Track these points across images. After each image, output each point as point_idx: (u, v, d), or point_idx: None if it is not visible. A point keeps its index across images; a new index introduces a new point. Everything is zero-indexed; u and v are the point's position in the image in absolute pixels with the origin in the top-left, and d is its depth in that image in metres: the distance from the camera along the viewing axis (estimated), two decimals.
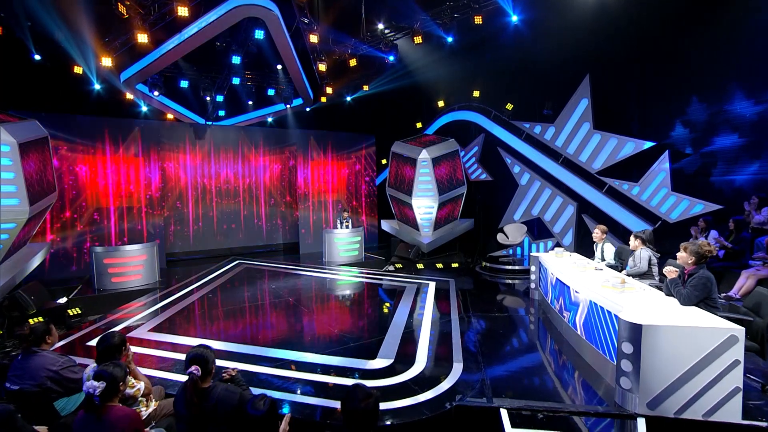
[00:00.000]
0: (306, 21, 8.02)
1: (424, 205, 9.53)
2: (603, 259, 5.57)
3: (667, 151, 7.15)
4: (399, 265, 9.35)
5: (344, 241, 10.07)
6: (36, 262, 6.58)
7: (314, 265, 9.59)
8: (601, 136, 8.01)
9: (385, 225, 11.11)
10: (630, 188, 7.61)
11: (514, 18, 8.25)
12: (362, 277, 8.45)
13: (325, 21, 8.68)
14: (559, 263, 5.41)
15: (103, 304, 6.61)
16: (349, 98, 12.21)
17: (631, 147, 7.59)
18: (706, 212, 6.59)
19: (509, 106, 9.66)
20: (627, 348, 3.11)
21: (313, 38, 8.12)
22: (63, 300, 6.58)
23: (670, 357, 2.98)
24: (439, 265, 9.37)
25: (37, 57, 8.31)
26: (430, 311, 5.83)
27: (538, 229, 9.45)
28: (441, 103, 11.56)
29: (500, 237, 8.86)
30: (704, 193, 6.75)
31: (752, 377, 3.47)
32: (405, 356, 4.25)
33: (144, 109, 10.08)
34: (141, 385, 2.80)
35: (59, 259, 8.42)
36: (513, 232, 8.82)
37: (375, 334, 4.97)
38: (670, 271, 3.60)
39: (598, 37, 7.87)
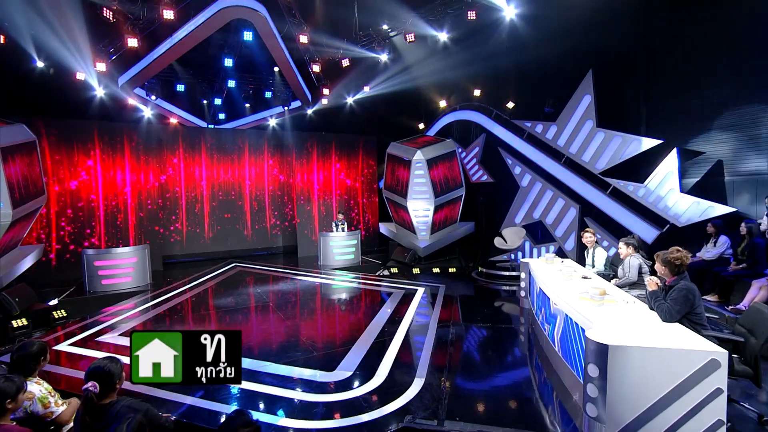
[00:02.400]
0: (296, 22, 7.91)
1: (420, 207, 9.24)
2: (593, 266, 5.13)
3: (675, 150, 6.60)
4: (394, 270, 9.09)
5: (339, 244, 9.88)
6: (26, 264, 6.69)
7: (309, 269, 9.43)
8: (604, 134, 7.50)
9: (383, 228, 10.88)
10: (635, 189, 7.08)
11: (509, 12, 7.86)
12: (352, 281, 8.23)
13: (317, 22, 8.56)
14: (545, 270, 5.01)
15: (91, 306, 6.65)
16: (350, 100, 12.05)
17: (636, 145, 7.06)
18: (717, 215, 6.01)
19: (510, 105, 9.26)
20: (593, 371, 2.75)
21: (303, 39, 8.00)
22: (54, 302, 6.68)
23: (641, 383, 2.60)
24: (436, 270, 9.05)
25: (40, 64, 8.53)
26: (409, 319, 5.54)
27: (542, 233, 8.97)
28: (442, 104, 11.24)
29: (498, 241, 8.44)
30: (716, 194, 6.18)
31: (747, 406, 3.02)
32: (366, 368, 3.99)
33: (147, 113, 10.23)
34: (59, 411, 2.62)
35: (57, 261, 8.57)
36: (511, 236, 8.40)
37: (344, 343, 4.73)
38: (650, 282, 3.20)
39: (601, 29, 7.43)
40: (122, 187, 9.12)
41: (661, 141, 6.72)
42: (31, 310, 6.13)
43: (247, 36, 7.76)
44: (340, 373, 3.89)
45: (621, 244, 4.44)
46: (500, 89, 9.56)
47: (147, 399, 3.34)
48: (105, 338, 5.08)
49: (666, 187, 6.72)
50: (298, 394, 3.51)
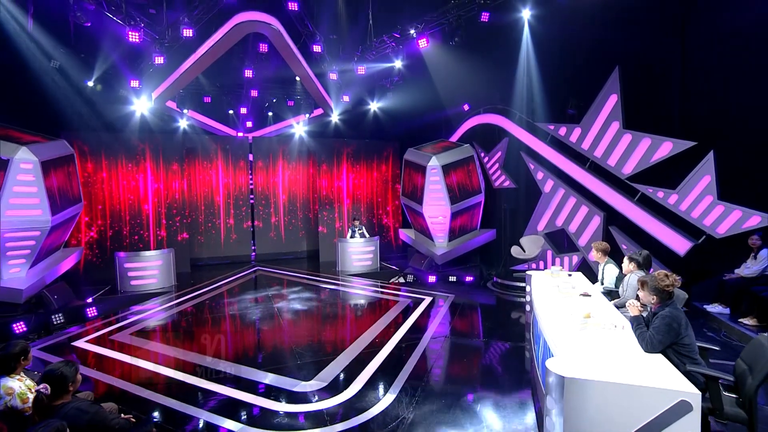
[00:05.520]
0: (309, 32, 8.11)
1: (436, 214, 9.04)
2: (603, 283, 4.70)
3: (711, 152, 5.91)
4: (410, 277, 8.97)
5: (357, 250, 9.94)
6: (67, 264, 7.40)
7: (326, 275, 9.56)
8: (632, 136, 6.88)
9: (403, 234, 10.77)
10: (666, 196, 6.42)
11: (526, 12, 7.51)
12: (363, 289, 8.21)
13: (330, 31, 8.71)
14: (544, 284, 4.68)
15: (120, 305, 7.23)
16: (373, 106, 12.11)
17: (667, 148, 6.41)
18: (761, 227, 5.28)
19: (533, 106, 8.79)
20: (550, 403, 2.51)
21: (317, 48, 8.17)
22: (89, 300, 7.36)
23: (600, 421, 2.33)
24: (452, 279, 8.80)
25: (90, 83, 9.43)
26: (404, 330, 5.41)
27: (567, 242, 8.40)
28: (466, 107, 10.92)
29: (515, 250, 8.03)
30: (762, 201, 5.42)
31: None
32: (342, 380, 3.96)
33: (183, 124, 10.94)
34: None
35: (97, 262, 9.35)
36: (529, 245, 7.95)
37: (331, 351, 4.73)
38: (632, 307, 2.86)
39: (629, 21, 6.82)
40: (149, 193, 9.76)
41: (695, 143, 6.04)
42: (68, 306, 6.80)
43: (263, 48, 8.07)
44: (315, 384, 3.88)
45: (624, 259, 4.03)
46: (523, 90, 9.10)
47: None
48: (118, 336, 5.49)
49: (701, 194, 6.04)
50: (265, 402, 3.55)
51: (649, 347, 2.67)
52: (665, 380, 2.30)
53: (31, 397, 2.87)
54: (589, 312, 3.30)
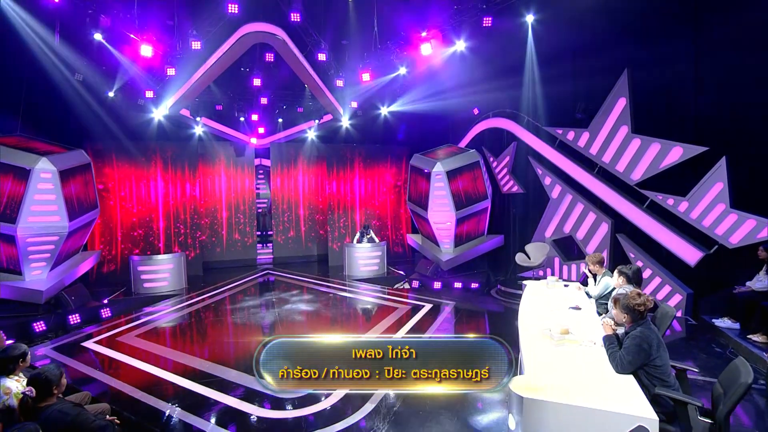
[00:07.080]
0: (313, 41, 8.26)
1: (441, 220, 9.00)
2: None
3: (724, 158, 5.62)
4: (414, 283, 8.96)
5: (364, 255, 10.00)
6: (85, 267, 7.82)
7: (333, 279, 9.66)
8: (641, 141, 6.63)
9: (411, 240, 10.77)
10: (676, 203, 6.15)
11: (530, 17, 7.39)
12: (366, 293, 8.26)
13: (339, 37, 8.84)
14: (537, 295, 4.59)
15: (132, 306, 7.57)
16: (384, 111, 12.15)
17: (678, 153, 6.14)
18: None
19: (541, 110, 8.61)
20: (511, 422, 2.48)
21: (321, 56, 8.31)
22: (105, 301, 7.76)
23: None
24: (458, 285, 8.73)
25: (111, 94, 9.92)
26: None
27: (577, 249, 8.17)
28: (475, 111, 10.81)
29: (520, 257, 7.88)
30: None
31: None
32: None
33: (197, 132, 11.32)
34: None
35: (114, 265, 9.75)
36: (534, 252, 7.79)
37: None
38: (606, 326, 2.77)
39: (638, 23, 6.60)
40: (159, 203, 10.10)
41: (706, 148, 5.77)
42: (84, 307, 7.19)
43: (269, 57, 8.27)
44: (297, 391, 3.96)
45: (615, 273, 3.91)
46: (531, 94, 8.93)
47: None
48: (125, 338, 5.77)
49: (713, 201, 5.75)
50: (246, 407, 3.66)
51: (619, 368, 2.59)
52: (624, 404, 2.23)
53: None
54: (567, 328, 3.22)
